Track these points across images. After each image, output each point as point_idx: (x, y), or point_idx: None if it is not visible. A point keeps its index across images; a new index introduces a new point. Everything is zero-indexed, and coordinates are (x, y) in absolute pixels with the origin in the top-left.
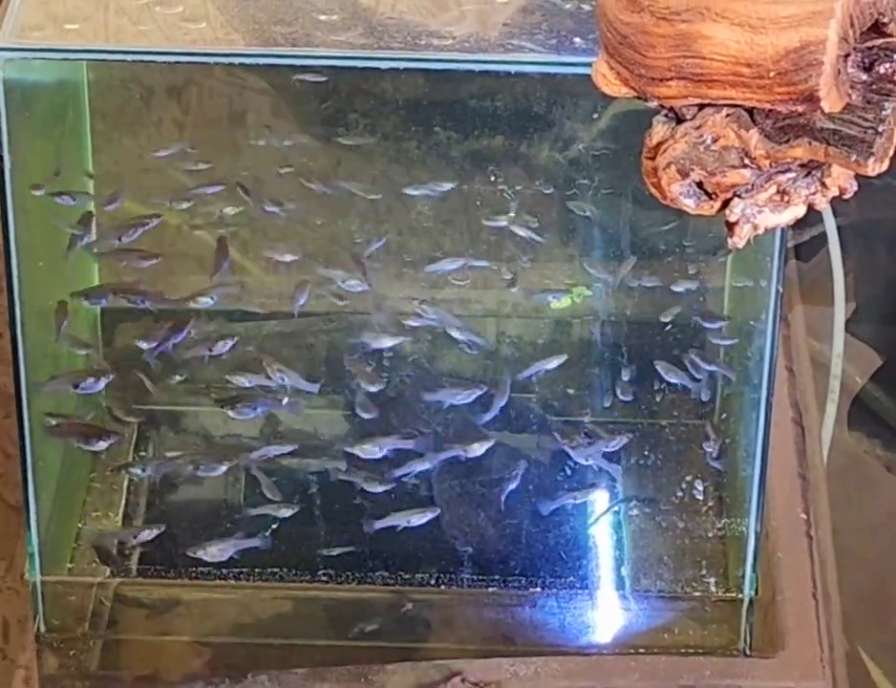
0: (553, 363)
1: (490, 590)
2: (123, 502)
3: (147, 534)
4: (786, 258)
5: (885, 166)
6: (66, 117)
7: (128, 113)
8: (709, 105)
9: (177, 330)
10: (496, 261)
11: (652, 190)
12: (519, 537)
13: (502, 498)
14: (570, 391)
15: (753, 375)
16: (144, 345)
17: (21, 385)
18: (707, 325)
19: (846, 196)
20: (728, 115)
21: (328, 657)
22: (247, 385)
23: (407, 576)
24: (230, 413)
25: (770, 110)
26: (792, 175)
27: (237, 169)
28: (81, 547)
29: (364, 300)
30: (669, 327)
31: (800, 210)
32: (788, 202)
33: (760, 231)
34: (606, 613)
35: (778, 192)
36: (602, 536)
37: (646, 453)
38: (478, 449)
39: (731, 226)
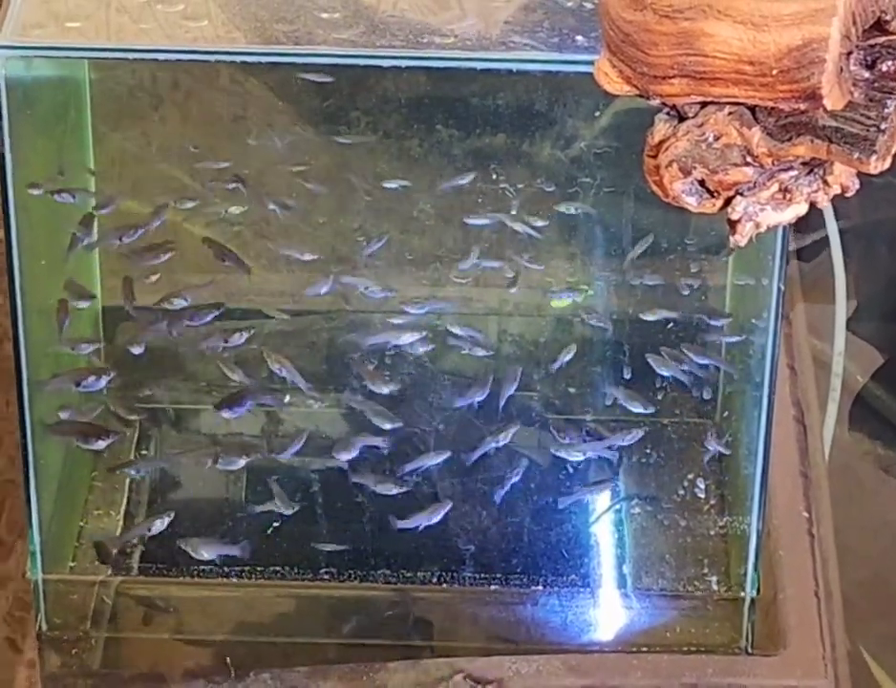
0: (570, 355)
1: (492, 588)
2: (125, 500)
3: (159, 525)
4: (788, 257)
5: (887, 164)
6: (67, 115)
7: (129, 111)
8: (711, 103)
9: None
10: (497, 259)
11: (654, 188)
12: (520, 535)
13: (501, 494)
14: (571, 390)
15: (754, 373)
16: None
17: (22, 384)
18: (708, 322)
19: (848, 194)
20: (730, 113)
21: (330, 655)
22: (238, 379)
23: (409, 574)
24: (224, 414)
25: (772, 108)
26: (794, 173)
27: (239, 167)
28: (83, 545)
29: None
30: (670, 325)
31: (802, 208)
32: (790, 200)
33: (762, 229)
34: (607, 612)
35: (780, 190)
36: (603, 534)
37: (647, 451)
38: (505, 438)
39: (733, 224)
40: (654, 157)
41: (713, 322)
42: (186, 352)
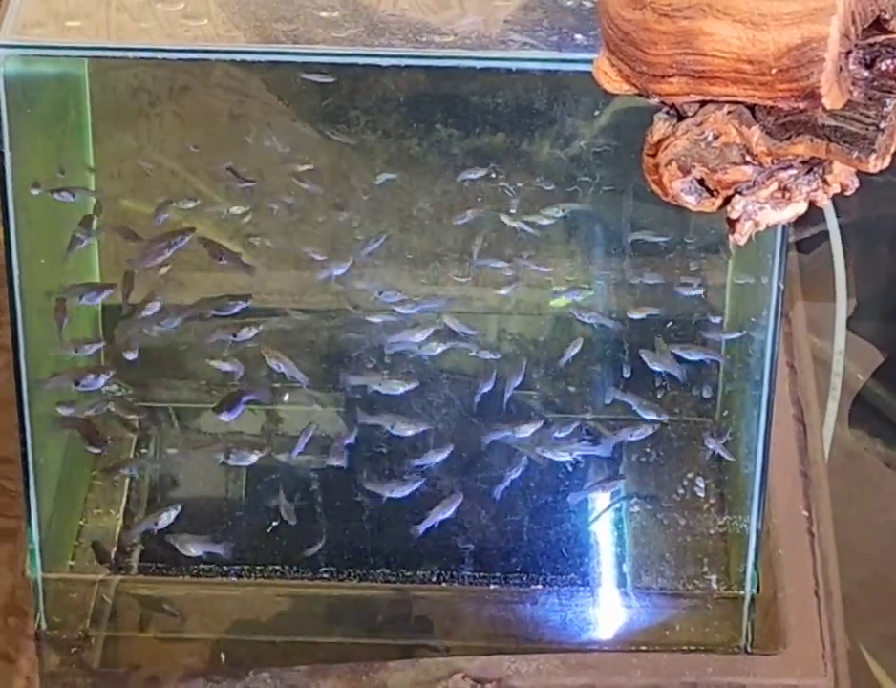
0: (576, 349)
1: (491, 587)
2: (125, 499)
3: (167, 518)
4: (787, 254)
5: (886, 163)
6: (67, 113)
7: (129, 110)
8: (710, 102)
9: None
10: (497, 258)
11: (654, 187)
12: (520, 534)
13: (501, 493)
14: (571, 388)
15: (754, 371)
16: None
17: (22, 382)
18: (706, 320)
19: (848, 192)
20: (729, 111)
21: (329, 655)
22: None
23: (408, 573)
24: (223, 417)
25: (771, 107)
26: (793, 172)
27: (239, 166)
28: (83, 544)
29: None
30: (670, 323)
31: (801, 207)
32: (790, 198)
33: (762, 228)
34: (607, 610)
35: (779, 189)
36: (603, 533)
37: (647, 450)
38: (528, 430)
39: (732, 223)
40: (654, 155)
41: (712, 320)
42: (188, 349)
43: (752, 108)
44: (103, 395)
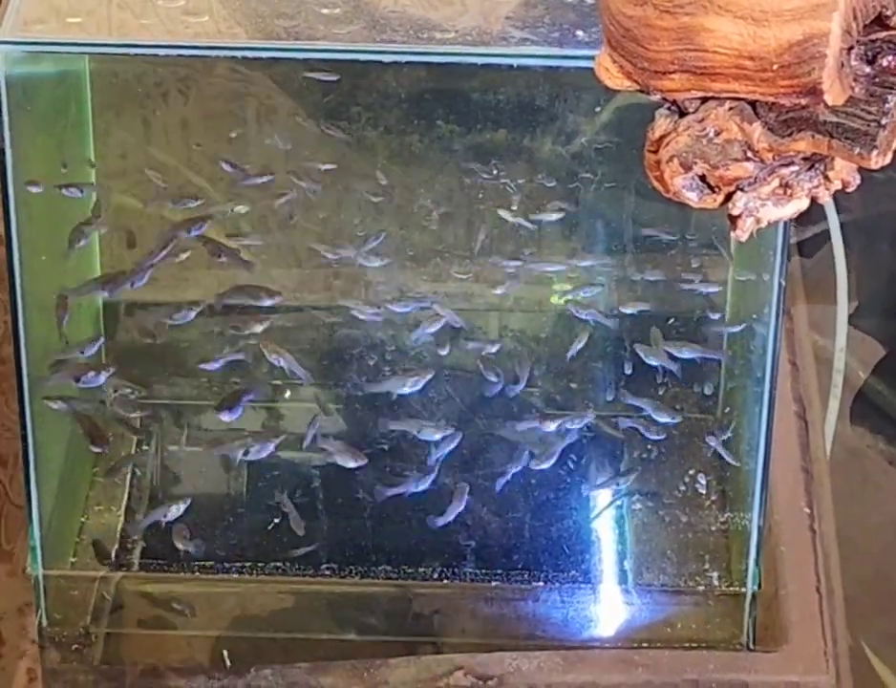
0: (581, 343)
1: (493, 584)
2: (126, 496)
3: (175, 511)
4: (789, 252)
5: (888, 159)
6: (68, 110)
7: (130, 107)
8: (712, 98)
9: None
10: (498, 255)
11: (655, 184)
12: (521, 531)
13: (503, 490)
14: (573, 385)
15: (756, 369)
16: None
17: (23, 379)
18: (707, 317)
19: (849, 189)
20: (731, 108)
21: (331, 652)
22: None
23: (410, 570)
24: (224, 417)
25: (773, 103)
26: (795, 168)
27: (240, 163)
28: (84, 541)
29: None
30: (671, 320)
31: (803, 203)
32: (791, 195)
33: (763, 225)
34: (608, 608)
35: (781, 185)
36: (604, 530)
37: (649, 447)
38: (551, 426)
39: (734, 220)
40: (655, 152)
41: (713, 316)
42: (189, 347)
43: (753, 104)
44: (104, 392)
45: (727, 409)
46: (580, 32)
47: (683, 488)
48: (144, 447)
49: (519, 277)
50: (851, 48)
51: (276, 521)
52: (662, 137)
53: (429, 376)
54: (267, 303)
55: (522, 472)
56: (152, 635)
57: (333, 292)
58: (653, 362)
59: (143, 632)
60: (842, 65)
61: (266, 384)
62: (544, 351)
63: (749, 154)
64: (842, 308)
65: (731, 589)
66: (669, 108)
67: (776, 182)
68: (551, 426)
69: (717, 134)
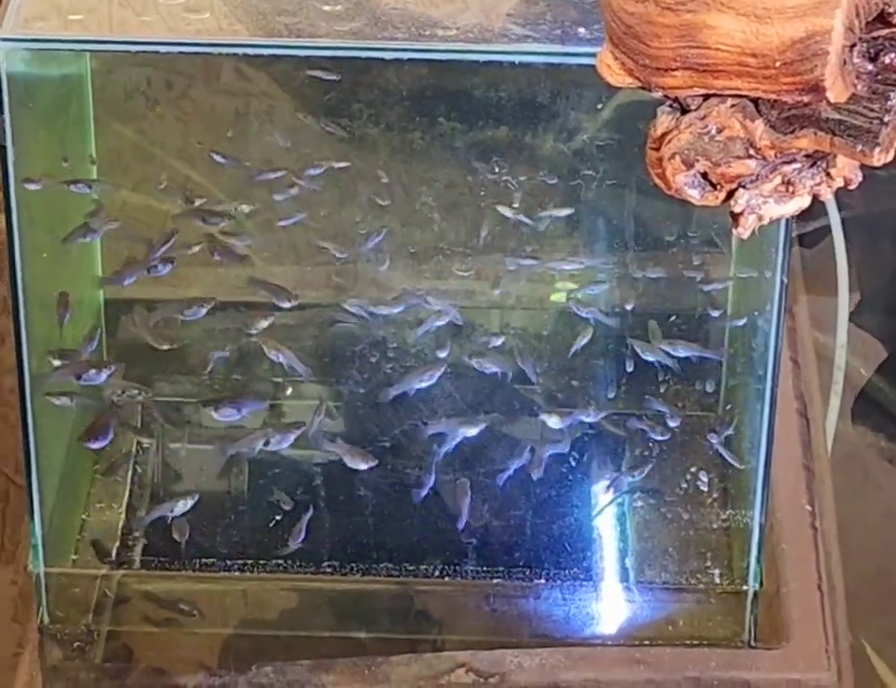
0: (585, 339)
1: (494, 581)
2: (127, 493)
3: (182, 505)
4: (791, 248)
5: (890, 156)
6: (69, 108)
7: (131, 104)
8: (714, 95)
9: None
10: (499, 252)
11: (657, 181)
12: (523, 529)
13: (504, 488)
14: (574, 382)
15: (757, 366)
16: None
17: (24, 376)
18: (709, 314)
19: (851, 186)
20: (733, 105)
21: (332, 649)
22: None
23: (411, 568)
24: (214, 414)
25: (775, 100)
26: (797, 165)
27: (241, 160)
28: (85, 538)
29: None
30: (673, 318)
31: (805, 201)
32: (793, 192)
33: (765, 222)
34: (610, 605)
35: (783, 183)
36: (606, 527)
37: (650, 444)
38: (559, 423)
39: (736, 217)
40: (657, 149)
41: (713, 314)
42: (190, 344)
43: (755, 101)
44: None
45: (728, 406)
46: (581, 29)
47: (685, 486)
48: (145, 444)
49: (520, 274)
50: (854, 45)
51: (278, 518)
52: (664, 134)
53: (440, 371)
54: (286, 305)
55: (524, 469)
56: (154, 633)
57: (334, 290)
58: (650, 358)
59: (145, 629)
60: (845, 62)
61: (266, 381)
62: (546, 348)
63: (751, 151)
64: (843, 305)
65: (732, 586)
66: (670, 105)
67: (778, 180)
68: (556, 422)
69: (719, 131)
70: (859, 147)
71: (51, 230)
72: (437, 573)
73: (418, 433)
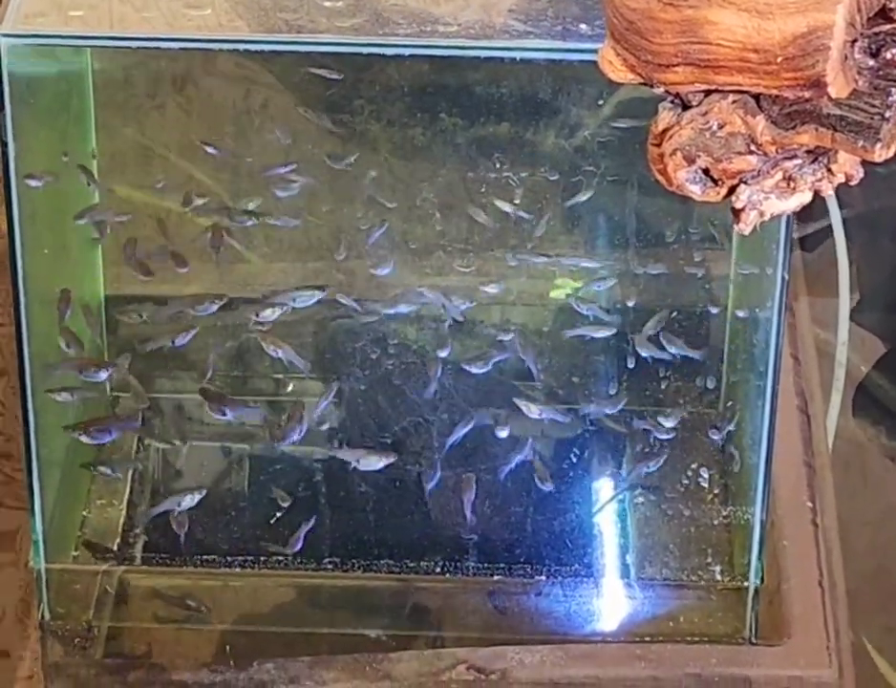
0: (601, 333)
1: (495, 578)
2: (128, 490)
3: (189, 500)
4: (792, 245)
5: (891, 152)
6: (70, 104)
7: (133, 101)
8: (715, 91)
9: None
10: (500, 249)
11: (658, 177)
12: (524, 525)
13: (504, 484)
14: (575, 379)
15: (758, 363)
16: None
17: (25, 374)
18: (710, 311)
19: (852, 182)
20: (734, 101)
21: (333, 645)
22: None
23: (412, 564)
24: (211, 412)
25: (777, 96)
26: (798, 161)
27: (242, 157)
28: (86, 535)
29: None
30: (674, 314)
31: (806, 197)
32: (794, 188)
33: (766, 218)
34: (611, 601)
35: (784, 179)
36: (607, 524)
37: (651, 441)
38: (563, 419)
39: (737, 213)
40: (658, 145)
41: (713, 311)
42: (190, 342)
43: (757, 97)
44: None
45: (729, 403)
46: (583, 25)
47: (686, 482)
48: (146, 441)
49: (521, 270)
50: (855, 41)
51: (278, 515)
52: (665, 130)
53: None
54: (315, 299)
55: (524, 465)
56: (154, 629)
57: (335, 286)
58: (645, 354)
59: (146, 626)
60: (846, 58)
61: (267, 377)
62: (546, 344)
63: (752, 147)
64: (844, 301)
65: (733, 583)
66: (672, 101)
67: (779, 176)
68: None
69: (721, 127)
70: (860, 143)
71: (51, 227)
72: (437, 570)
73: (420, 429)
